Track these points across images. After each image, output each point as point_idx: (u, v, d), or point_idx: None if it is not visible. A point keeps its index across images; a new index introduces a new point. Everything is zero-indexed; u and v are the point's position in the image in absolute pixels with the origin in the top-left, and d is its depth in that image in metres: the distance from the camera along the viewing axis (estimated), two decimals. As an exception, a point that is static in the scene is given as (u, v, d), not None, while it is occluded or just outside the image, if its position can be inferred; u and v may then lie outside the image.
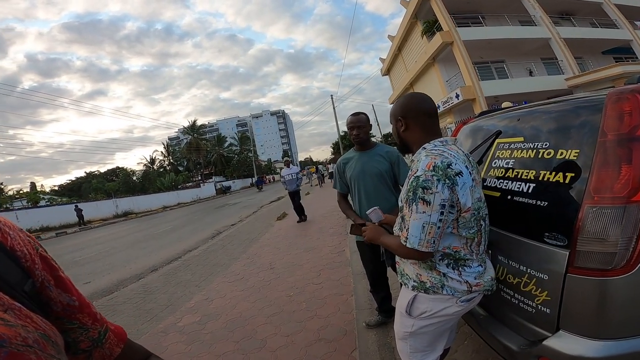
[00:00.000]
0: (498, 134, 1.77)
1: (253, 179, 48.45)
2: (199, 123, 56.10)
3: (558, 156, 1.26)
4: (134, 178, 41.81)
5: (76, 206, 23.09)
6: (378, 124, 36.83)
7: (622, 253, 1.00)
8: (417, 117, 1.32)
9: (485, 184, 1.68)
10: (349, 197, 2.54)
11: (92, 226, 21.41)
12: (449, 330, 1.44)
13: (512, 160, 1.55)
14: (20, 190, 38.15)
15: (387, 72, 29.26)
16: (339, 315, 2.95)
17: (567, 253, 1.12)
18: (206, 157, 53.78)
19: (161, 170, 49.17)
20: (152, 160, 51.47)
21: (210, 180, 47.13)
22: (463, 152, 1.28)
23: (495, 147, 1.74)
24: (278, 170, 79.37)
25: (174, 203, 33.07)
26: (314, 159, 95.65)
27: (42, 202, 26.95)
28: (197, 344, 2.88)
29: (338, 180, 2.55)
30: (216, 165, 53.66)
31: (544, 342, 1.19)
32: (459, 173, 1.13)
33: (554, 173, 1.25)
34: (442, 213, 1.12)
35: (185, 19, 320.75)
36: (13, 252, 0.48)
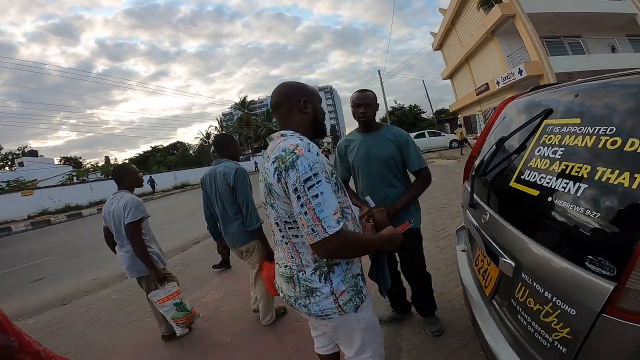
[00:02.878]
0: (548, 112, 1.36)
1: (300, 153, 49.47)
2: (249, 99, 57.80)
3: (627, 147, 0.88)
4: (191, 152, 44.77)
5: (150, 177, 26.19)
6: (429, 100, 34.97)
7: None
8: None
9: (522, 177, 1.32)
10: (351, 183, 2.30)
11: (154, 197, 23.50)
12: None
13: (561, 149, 1.17)
14: (97, 163, 43.02)
15: (440, 46, 27.75)
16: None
17: (612, 287, 0.80)
18: (256, 132, 55.50)
19: (215, 144, 51.95)
20: (208, 135, 54.49)
21: (260, 153, 48.75)
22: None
23: (542, 129, 1.35)
24: (324, 144, 79.28)
25: (226, 176, 34.90)
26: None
27: (114, 174, 30.09)
28: (213, 321, 2.96)
29: (339, 165, 2.27)
30: (265, 139, 55.32)
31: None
32: None
33: (617, 172, 0.88)
34: None
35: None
36: None
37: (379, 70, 28.60)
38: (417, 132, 22.76)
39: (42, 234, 12.94)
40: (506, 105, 1.98)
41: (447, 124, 33.25)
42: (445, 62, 27.66)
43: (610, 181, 0.89)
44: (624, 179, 0.85)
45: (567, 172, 1.07)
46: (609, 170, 0.91)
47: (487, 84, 19.66)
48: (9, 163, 37.85)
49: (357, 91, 2.11)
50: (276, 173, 1.05)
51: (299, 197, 1.01)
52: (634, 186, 0.82)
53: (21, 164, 35.11)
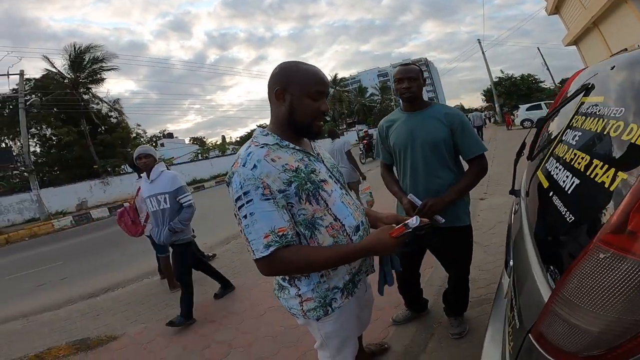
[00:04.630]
0: (590, 88, 1.14)
1: (395, 126, 47.84)
2: (340, 76, 58.23)
3: (625, 135, 0.73)
4: (290, 129, 47.96)
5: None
6: (548, 69, 28.86)
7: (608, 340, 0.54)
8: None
9: (546, 166, 1.17)
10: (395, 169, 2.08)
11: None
12: None
13: (578, 134, 0.99)
14: (216, 142, 50.00)
15: (556, 10, 22.54)
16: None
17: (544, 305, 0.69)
18: (349, 107, 55.82)
19: (310, 120, 54.65)
20: (303, 113, 57.50)
21: (353, 128, 49.05)
22: None
23: (577, 109, 1.14)
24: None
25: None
26: (466, 107, 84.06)
27: (228, 152, 34.69)
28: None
29: (380, 148, 2.06)
30: (359, 114, 55.19)
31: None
32: None
33: (606, 167, 0.74)
34: None
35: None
36: None
37: (478, 39, 25.32)
38: (531, 104, 19.82)
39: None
40: (578, 75, 1.66)
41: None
42: (565, 27, 22.60)
43: (597, 179, 0.75)
44: (607, 176, 0.72)
45: (572, 163, 0.92)
46: (601, 164, 0.77)
47: (626, 49, 15.47)
48: (153, 144, 47.02)
49: (400, 65, 1.88)
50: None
51: (235, 215, 1.00)
52: (612, 187, 0.69)
53: (162, 145, 43.47)
